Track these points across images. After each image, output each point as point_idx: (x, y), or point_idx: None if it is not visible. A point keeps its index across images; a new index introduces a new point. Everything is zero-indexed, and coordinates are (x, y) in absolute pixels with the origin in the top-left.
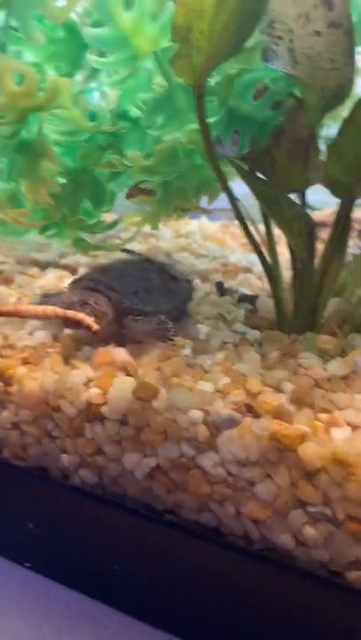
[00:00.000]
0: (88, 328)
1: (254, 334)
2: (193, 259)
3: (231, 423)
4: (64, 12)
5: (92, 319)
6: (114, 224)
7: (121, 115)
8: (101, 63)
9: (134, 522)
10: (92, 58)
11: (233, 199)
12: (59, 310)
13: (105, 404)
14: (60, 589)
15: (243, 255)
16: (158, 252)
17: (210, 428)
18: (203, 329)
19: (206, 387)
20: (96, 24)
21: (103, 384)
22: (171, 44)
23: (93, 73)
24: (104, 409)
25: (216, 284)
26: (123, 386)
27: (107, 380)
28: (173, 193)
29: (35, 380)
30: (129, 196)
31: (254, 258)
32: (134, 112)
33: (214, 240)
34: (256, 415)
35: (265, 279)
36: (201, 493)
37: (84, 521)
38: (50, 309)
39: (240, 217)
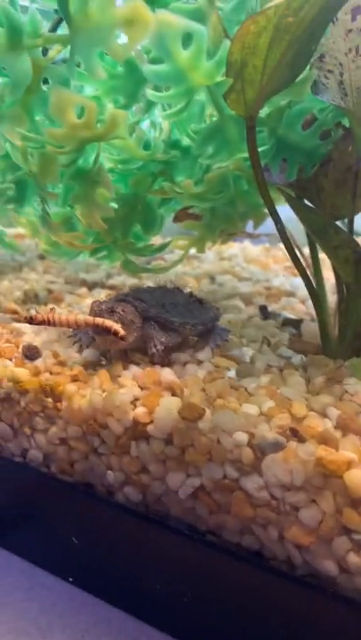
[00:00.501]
0: (115, 334)
1: (299, 358)
2: (236, 281)
3: (277, 447)
4: (126, 50)
5: (120, 326)
6: (163, 247)
7: (173, 144)
8: (158, 97)
9: (177, 541)
10: (149, 92)
11: (280, 224)
12: (88, 318)
13: (151, 422)
14: (101, 605)
15: (286, 279)
16: (202, 274)
17: (255, 450)
18: (247, 352)
19: (251, 409)
20: (154, 60)
21: (150, 403)
22: (224, 78)
23: (148, 105)
24: (150, 428)
25: (260, 308)
26: (169, 405)
27: (153, 399)
28: (220, 218)
29: (83, 397)
30: (176, 219)
31: (298, 282)
32: (185, 141)
33: (257, 263)
34: (301, 440)
35: (308, 303)
36: (244, 516)
37: (128, 538)
38: (80, 318)
39: (287, 241)
